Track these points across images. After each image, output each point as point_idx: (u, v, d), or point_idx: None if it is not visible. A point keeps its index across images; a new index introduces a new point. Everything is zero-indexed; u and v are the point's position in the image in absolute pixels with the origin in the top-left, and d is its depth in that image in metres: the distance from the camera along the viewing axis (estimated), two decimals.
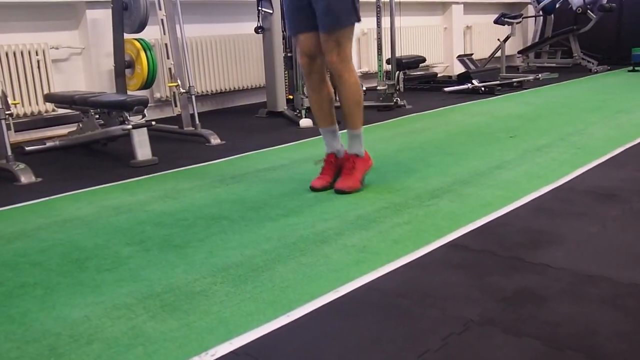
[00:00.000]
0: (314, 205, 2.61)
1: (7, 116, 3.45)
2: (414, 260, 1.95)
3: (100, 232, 2.41)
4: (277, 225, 2.38)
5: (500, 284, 1.76)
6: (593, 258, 1.93)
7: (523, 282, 1.76)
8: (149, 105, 3.94)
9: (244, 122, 5.09)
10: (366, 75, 7.24)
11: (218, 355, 1.45)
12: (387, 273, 1.86)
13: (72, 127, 4.49)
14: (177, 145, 4.19)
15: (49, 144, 4.17)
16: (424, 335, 1.50)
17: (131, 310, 1.70)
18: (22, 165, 3.37)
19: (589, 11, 8.14)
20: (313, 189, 2.77)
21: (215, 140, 4.20)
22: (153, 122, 3.65)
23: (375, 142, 3.95)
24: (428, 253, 2.01)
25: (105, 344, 1.53)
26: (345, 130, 2.86)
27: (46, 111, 4.65)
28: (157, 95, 5.33)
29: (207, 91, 5.65)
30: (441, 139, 3.97)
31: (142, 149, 3.61)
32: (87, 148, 4.11)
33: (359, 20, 2.71)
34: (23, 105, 4.55)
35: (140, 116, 3.60)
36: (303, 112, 4.72)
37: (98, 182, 3.19)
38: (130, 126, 3.52)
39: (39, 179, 3.34)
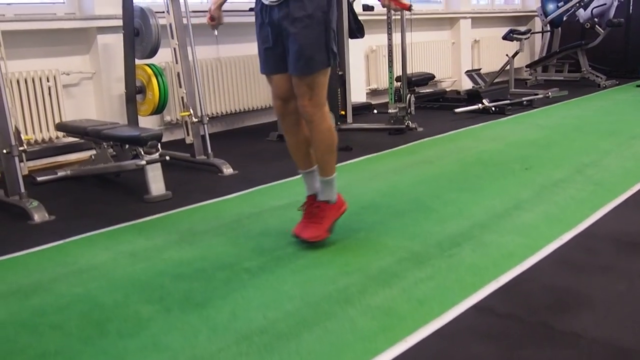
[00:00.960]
0: (334, 255, 2.58)
1: (20, 153, 3.43)
2: (442, 328, 1.92)
3: (119, 285, 2.38)
4: (298, 279, 2.35)
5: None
6: (625, 326, 1.90)
7: (555, 357, 1.73)
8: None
9: (255, 146, 5.05)
10: (375, 92, 7.21)
11: None
12: (416, 344, 1.83)
13: (83, 154, 4.48)
14: (189, 174, 4.16)
15: (61, 173, 4.12)
16: None
17: None
18: (35, 203, 3.34)
19: (597, 26, 8.10)
20: (295, 237, 2.66)
21: (227, 170, 4.17)
22: (167, 157, 3.61)
23: (388, 173, 3.93)
24: (455, 319, 1.98)
25: None
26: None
27: (57, 137, 4.63)
28: (167, 118, 5.30)
29: (217, 113, 5.62)
30: (455, 170, 3.93)
31: (156, 184, 3.58)
32: (98, 178, 4.08)
33: (335, 60, 2.56)
34: (34, 132, 4.52)
35: (154, 150, 3.57)
36: None
37: (112, 221, 3.16)
38: (144, 162, 3.49)
39: (52, 217, 3.31)
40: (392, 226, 2.90)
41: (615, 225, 2.78)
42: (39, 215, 3.30)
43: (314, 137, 2.59)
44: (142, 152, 3.54)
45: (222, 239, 2.85)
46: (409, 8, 2.83)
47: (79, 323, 2.08)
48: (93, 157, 4.01)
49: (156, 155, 3.58)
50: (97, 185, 3.98)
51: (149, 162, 3.51)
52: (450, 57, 8.22)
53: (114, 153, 3.93)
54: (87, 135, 3.94)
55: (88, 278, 2.47)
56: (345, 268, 2.43)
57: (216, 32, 3.53)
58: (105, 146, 3.84)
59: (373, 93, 7.20)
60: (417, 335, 1.88)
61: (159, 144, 3.61)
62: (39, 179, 4.03)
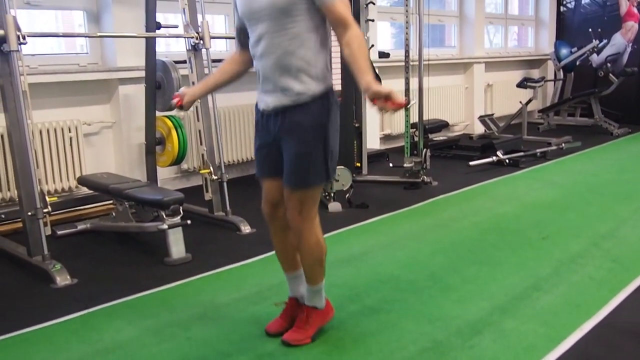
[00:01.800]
0: (357, 341, 2.61)
1: (45, 215, 3.49)
2: None
3: None
4: None
5: None
6: None
7: None
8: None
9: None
10: (388, 138, 7.27)
11: None
12: None
13: (102, 206, 4.55)
14: (207, 231, 4.21)
15: (81, 226, 4.21)
16: None
17: None
18: (58, 266, 3.39)
19: (610, 74, 8.17)
20: (266, 333, 2.64)
21: (245, 227, 4.22)
22: (188, 222, 3.66)
23: (406, 239, 3.96)
24: None
25: None
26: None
27: (76, 187, 4.70)
28: (185, 166, 5.37)
29: (233, 161, 5.69)
30: (473, 237, 3.96)
31: (177, 247, 3.63)
32: (118, 235, 4.13)
33: (329, 178, 2.47)
34: (54, 182, 4.60)
35: (177, 215, 3.62)
36: (332, 194, 4.73)
37: (134, 288, 3.20)
38: (166, 226, 3.54)
39: (75, 280, 3.35)
40: (412, 306, 2.92)
41: (636, 314, 2.80)
42: (62, 279, 3.34)
43: (301, 249, 2.52)
44: (164, 216, 3.59)
45: (244, 315, 2.89)
46: (406, 105, 2.86)
47: None
48: (114, 213, 4.07)
49: (177, 220, 3.63)
50: (116, 242, 4.03)
51: (170, 227, 3.56)
52: (464, 101, 8.29)
53: (134, 210, 3.99)
54: (108, 193, 4.00)
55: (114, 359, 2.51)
56: (368, 358, 2.46)
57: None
58: (127, 206, 3.90)
59: (386, 138, 7.26)
60: None
61: (181, 207, 3.66)
62: (59, 232, 4.11)
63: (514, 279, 3.23)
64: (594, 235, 3.91)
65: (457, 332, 2.66)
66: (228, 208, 4.34)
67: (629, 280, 3.17)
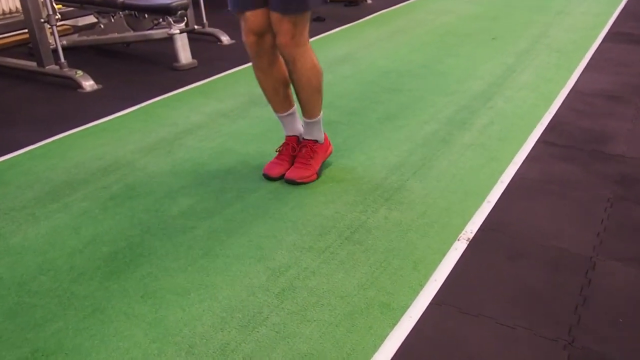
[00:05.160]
0: (407, 110, 3.12)
1: (56, 22, 3.44)
2: (528, 156, 2.59)
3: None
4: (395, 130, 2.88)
5: (606, 171, 2.46)
6: None
7: (619, 169, 2.48)
8: None
9: (224, 17, 5.23)
10: None
11: None
12: (519, 168, 2.49)
13: (71, 22, 4.43)
14: (195, 43, 4.35)
15: (78, 39, 4.11)
16: (590, 207, 2.17)
17: None
18: (80, 72, 3.45)
19: None
20: (266, 177, 2.42)
21: (225, 38, 4.41)
22: (195, 27, 3.80)
23: (378, 41, 4.43)
24: (533, 149, 2.65)
25: None
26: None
27: None
28: None
29: None
30: (434, 40, 4.52)
31: (185, 53, 3.80)
32: (103, 50, 4.14)
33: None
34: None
35: (182, 21, 3.74)
36: None
37: (165, 88, 3.41)
38: (177, 31, 3.67)
39: (100, 86, 3.45)
40: (425, 86, 3.47)
41: (592, 85, 3.58)
42: (88, 84, 3.42)
43: (298, 79, 2.29)
44: (172, 22, 3.70)
45: None
46: None
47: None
48: (102, 26, 4.04)
49: (183, 25, 3.76)
50: (109, 55, 4.07)
51: (181, 32, 3.69)
52: None
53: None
54: (98, 4, 3.95)
55: (204, 135, 2.82)
56: (425, 117, 3.00)
57: None
58: (121, 15, 3.90)
59: None
60: (514, 164, 2.52)
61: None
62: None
63: (489, 65, 3.87)
64: (530, 36, 4.63)
65: (473, 98, 3.27)
66: (205, 20, 4.46)
67: (576, 63, 3.94)
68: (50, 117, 3.07)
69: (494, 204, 2.20)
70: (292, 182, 2.38)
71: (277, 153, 2.49)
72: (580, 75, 3.72)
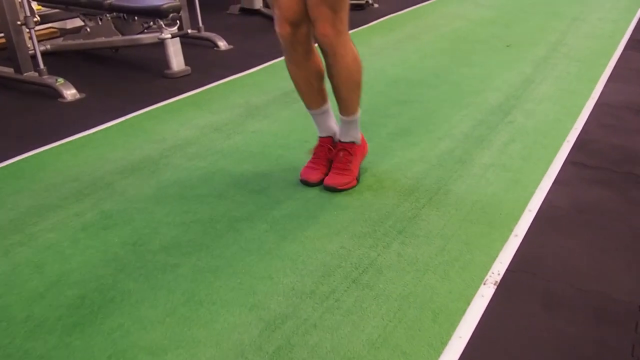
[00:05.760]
0: (420, 123, 2.84)
1: (35, 24, 3.17)
2: (557, 179, 2.31)
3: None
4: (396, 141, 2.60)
5: None
6: None
7: None
8: None
9: (221, 20, 4.98)
10: None
11: None
12: (547, 194, 2.21)
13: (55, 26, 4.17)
14: (189, 48, 4.08)
15: (40, 48, 3.86)
16: (634, 242, 1.89)
17: None
18: (61, 80, 3.18)
19: None
20: (305, 183, 2.25)
21: (222, 43, 4.14)
22: (189, 31, 3.53)
23: (387, 49, 4.15)
24: (561, 171, 2.36)
25: None
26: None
27: None
28: None
29: None
30: (446, 47, 4.24)
31: (177, 59, 3.53)
32: (90, 55, 3.88)
33: None
34: None
35: (175, 25, 3.47)
36: None
37: (147, 99, 3.13)
38: (169, 35, 3.40)
39: (82, 95, 3.18)
40: (438, 97, 3.19)
41: (618, 96, 3.30)
42: (70, 93, 3.15)
43: (338, 73, 2.11)
44: (163, 25, 3.43)
45: (286, 113, 2.98)
46: None
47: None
48: (88, 29, 3.77)
49: (175, 29, 3.49)
50: (96, 61, 3.80)
51: (173, 36, 3.42)
52: None
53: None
54: (83, 5, 3.68)
55: (198, 151, 2.54)
56: (439, 134, 2.72)
57: None
58: (109, 18, 3.63)
59: None
60: (541, 190, 2.24)
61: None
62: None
63: (506, 75, 3.59)
64: (547, 43, 4.35)
65: (491, 112, 2.99)
66: (200, 24, 4.20)
67: (598, 73, 3.66)
68: (24, 130, 2.80)
69: (522, 237, 1.92)
70: (333, 190, 2.21)
71: (312, 155, 2.31)
72: (605, 86, 3.44)
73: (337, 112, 2.24)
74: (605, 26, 4.85)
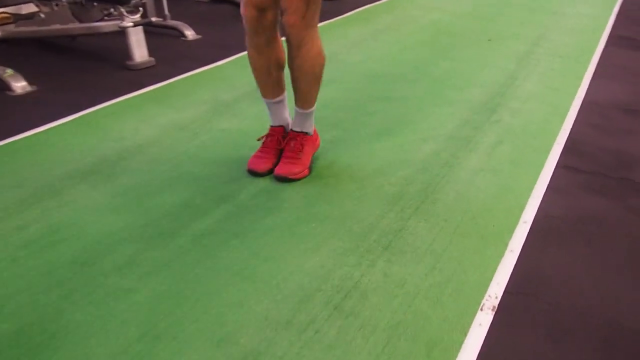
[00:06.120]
0: (409, 122, 2.65)
1: None
2: (550, 184, 2.14)
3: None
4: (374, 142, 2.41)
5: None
6: None
7: None
8: None
9: (190, 8, 4.72)
10: None
11: None
12: (542, 201, 2.04)
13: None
14: (154, 38, 3.81)
15: (10, 30, 3.56)
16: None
17: None
18: (10, 71, 2.91)
19: None
20: (253, 173, 2.16)
21: (189, 32, 3.89)
22: (153, 19, 3.27)
23: (365, 40, 3.95)
24: (553, 176, 2.20)
25: None
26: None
27: None
28: None
29: None
30: (426, 40, 4.05)
31: (140, 50, 3.27)
32: (44, 43, 3.59)
33: None
34: None
35: (137, 12, 3.20)
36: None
37: (107, 93, 2.88)
38: (131, 24, 3.14)
39: (34, 87, 2.91)
40: (421, 94, 3.00)
41: (605, 95, 3.15)
42: (19, 85, 2.88)
43: (300, 65, 2.03)
44: (125, 13, 3.16)
45: (257, 110, 2.76)
46: None
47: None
48: (42, 15, 3.48)
49: (138, 18, 3.23)
50: (55, 53, 3.51)
51: (136, 24, 3.17)
52: None
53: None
54: None
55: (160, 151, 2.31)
56: (423, 134, 2.53)
57: None
58: (65, 3, 3.35)
59: None
60: (534, 198, 2.07)
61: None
62: None
63: (489, 71, 3.42)
64: (528, 38, 4.20)
65: (476, 111, 2.81)
66: (167, 12, 3.93)
67: (582, 70, 3.51)
68: None
69: (518, 253, 1.75)
70: (283, 179, 2.13)
71: (261, 145, 2.23)
72: (590, 84, 3.29)
73: (292, 103, 2.10)
74: (585, 22, 4.73)
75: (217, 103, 2.81)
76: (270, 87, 2.16)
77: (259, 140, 2.24)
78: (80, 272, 1.57)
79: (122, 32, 3.22)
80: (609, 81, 3.35)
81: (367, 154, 2.33)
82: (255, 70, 2.12)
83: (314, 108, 2.20)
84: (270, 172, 2.17)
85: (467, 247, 1.75)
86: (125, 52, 3.27)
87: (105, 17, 3.34)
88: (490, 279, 1.62)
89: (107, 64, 3.31)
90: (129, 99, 2.85)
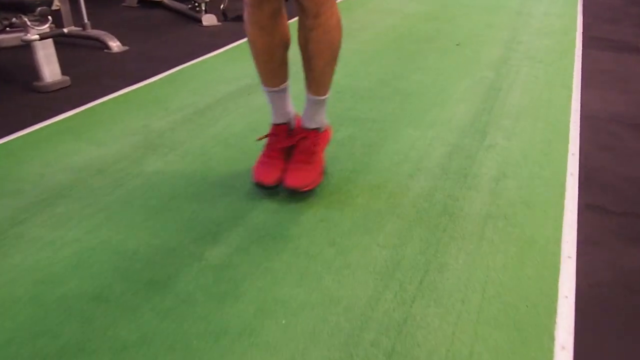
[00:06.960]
0: (378, 155, 2.15)
1: None
2: (579, 234, 1.69)
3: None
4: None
5: None
6: None
7: None
8: None
9: (115, 14, 4.10)
10: None
11: None
12: (576, 275, 1.58)
13: None
14: (70, 51, 3.21)
15: None
16: None
17: None
18: None
19: None
20: (261, 186, 1.84)
21: (114, 44, 3.30)
22: (65, 30, 2.68)
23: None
24: (581, 222, 1.75)
25: None
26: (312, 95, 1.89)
27: None
28: None
29: None
30: (392, 47, 3.57)
31: (50, 67, 2.67)
32: None
33: None
34: None
35: (45, 22, 2.60)
36: (203, 6, 3.90)
37: (3, 123, 2.28)
38: (36, 36, 2.53)
39: None
40: (393, 113, 2.52)
41: (603, 107, 2.74)
42: None
43: (317, 39, 1.73)
44: (29, 23, 2.56)
45: (201, 142, 2.21)
46: None
47: None
48: None
49: (47, 29, 2.62)
50: None
51: (42, 37, 2.56)
52: None
53: None
54: None
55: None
56: (408, 168, 2.04)
57: None
58: None
59: None
60: (568, 258, 1.61)
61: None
62: None
63: (468, 82, 2.97)
64: (499, 41, 3.79)
65: (463, 133, 2.34)
66: (86, 20, 3.33)
67: (568, 78, 3.10)
68: None
69: (572, 351, 1.27)
70: (295, 192, 1.82)
71: (265, 148, 1.91)
72: (582, 94, 2.89)
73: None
74: (553, 22, 4.36)
75: (150, 133, 2.25)
76: (273, 72, 1.84)
77: (259, 140, 1.95)
78: None
79: (27, 46, 2.61)
80: (601, 91, 2.96)
81: (343, 203, 1.82)
82: (257, 52, 1.80)
83: (328, 95, 1.89)
84: (277, 185, 1.83)
85: (501, 346, 1.26)
86: (32, 70, 2.66)
87: (7, 29, 2.72)
88: None
89: (9, 86, 2.69)
90: (34, 131, 2.25)
